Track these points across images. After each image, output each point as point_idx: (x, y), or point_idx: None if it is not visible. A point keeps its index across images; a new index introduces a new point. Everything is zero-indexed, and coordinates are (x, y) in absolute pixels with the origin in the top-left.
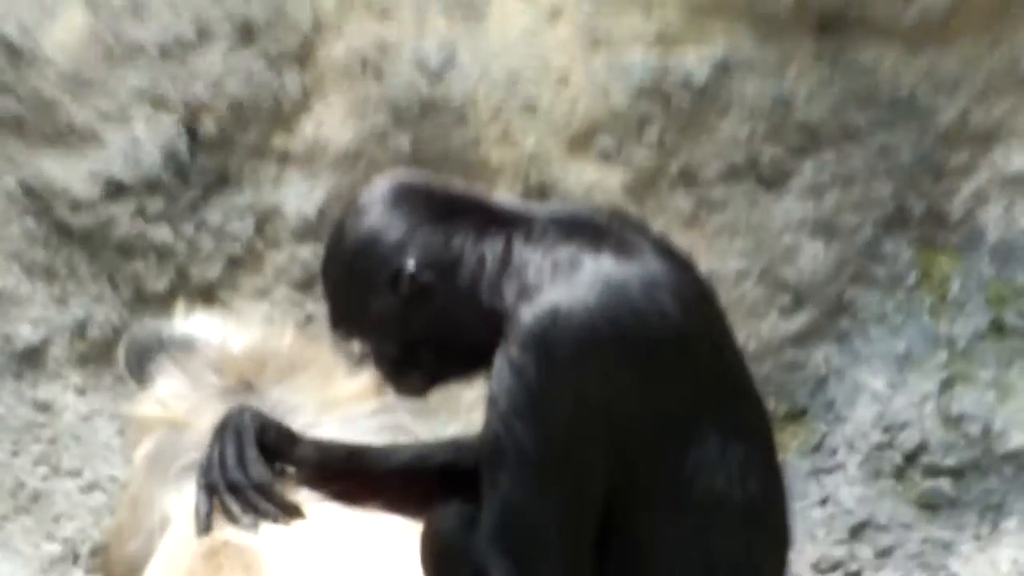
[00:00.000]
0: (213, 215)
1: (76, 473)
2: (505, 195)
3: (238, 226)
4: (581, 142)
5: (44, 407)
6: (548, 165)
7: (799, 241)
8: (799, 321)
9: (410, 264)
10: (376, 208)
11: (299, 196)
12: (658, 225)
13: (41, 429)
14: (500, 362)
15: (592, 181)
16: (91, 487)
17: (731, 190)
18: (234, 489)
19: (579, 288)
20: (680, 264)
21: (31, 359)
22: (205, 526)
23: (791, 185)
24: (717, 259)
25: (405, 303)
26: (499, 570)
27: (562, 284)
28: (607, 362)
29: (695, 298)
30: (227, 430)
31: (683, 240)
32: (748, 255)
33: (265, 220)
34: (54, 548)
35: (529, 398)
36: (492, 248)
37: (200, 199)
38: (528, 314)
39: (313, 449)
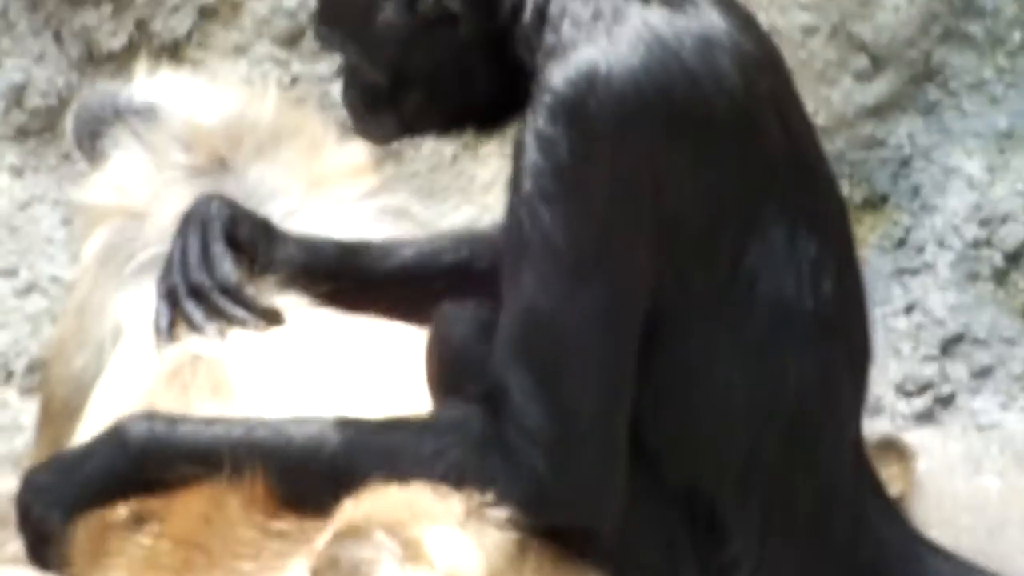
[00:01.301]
0: None
1: (11, 272)
2: None
3: None
4: None
5: None
6: None
7: None
8: (878, 89)
9: None
10: None
11: None
12: None
13: None
14: (525, 134)
15: None
16: (28, 289)
17: None
18: (196, 292)
19: (622, 44)
20: (742, 20)
21: None
22: (165, 337)
23: None
24: (778, 12)
25: (419, 26)
26: (519, 387)
27: (601, 39)
28: (654, 135)
29: (758, 61)
30: (191, 223)
31: None
32: (815, 7)
33: None
34: None
35: (560, 178)
36: None
37: None
38: (559, 76)
39: (296, 247)
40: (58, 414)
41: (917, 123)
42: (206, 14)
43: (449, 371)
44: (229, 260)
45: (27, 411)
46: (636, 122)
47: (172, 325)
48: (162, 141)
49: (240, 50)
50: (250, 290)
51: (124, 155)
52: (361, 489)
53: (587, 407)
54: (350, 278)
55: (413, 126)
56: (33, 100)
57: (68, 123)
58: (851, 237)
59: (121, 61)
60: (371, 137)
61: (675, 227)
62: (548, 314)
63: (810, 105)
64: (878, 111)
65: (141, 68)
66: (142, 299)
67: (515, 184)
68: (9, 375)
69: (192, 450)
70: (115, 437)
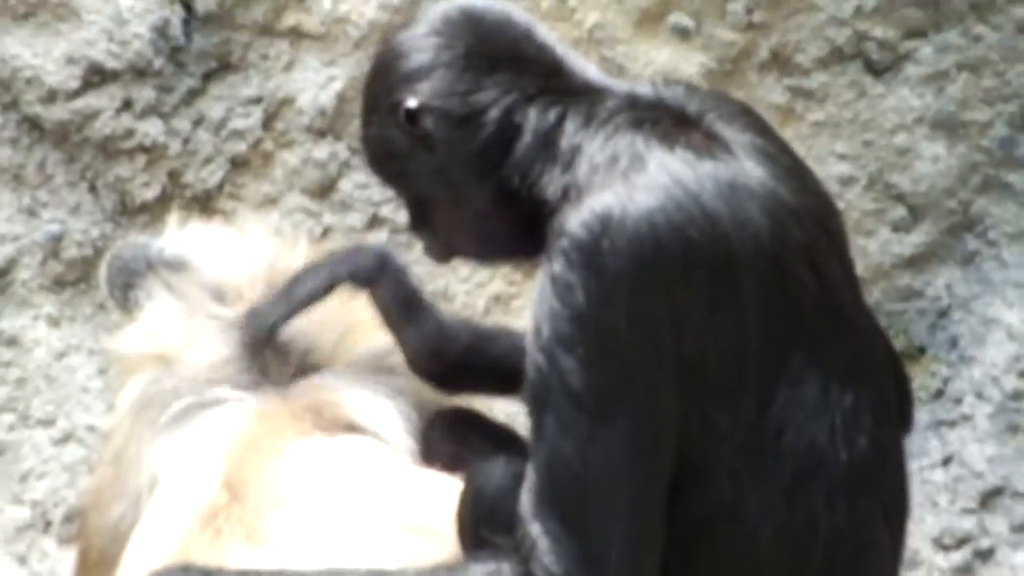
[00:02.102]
0: (213, 108)
1: (48, 422)
2: (588, 63)
3: (242, 121)
4: (652, 17)
5: (10, 342)
6: (613, 46)
7: (915, 141)
8: (916, 239)
9: (411, 100)
10: (418, 28)
11: (314, 84)
12: None
13: (7, 369)
14: (542, 279)
15: (664, 65)
16: (66, 438)
17: (833, 78)
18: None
19: (638, 188)
20: (785, 170)
21: None
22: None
23: (906, 72)
24: (816, 162)
25: (407, 144)
26: (546, 535)
27: (618, 183)
28: (671, 277)
29: (797, 211)
30: (326, 263)
31: None
32: (853, 158)
33: (274, 113)
34: (21, 512)
35: (577, 322)
36: (536, 120)
37: (197, 88)
38: (574, 220)
39: (433, 330)
40: (96, 564)
41: (955, 274)
42: (237, 165)
43: (481, 524)
44: (289, 312)
45: (65, 560)
46: (652, 264)
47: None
48: (193, 291)
49: (271, 201)
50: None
51: (156, 305)
52: None
53: (614, 553)
54: (474, 367)
55: (451, 248)
56: (69, 251)
57: (101, 274)
58: (891, 391)
59: (155, 212)
60: (430, 256)
61: (698, 370)
62: (571, 460)
63: None
64: (916, 262)
65: (172, 220)
66: (178, 448)
67: (535, 329)
68: (47, 524)
69: None
70: None
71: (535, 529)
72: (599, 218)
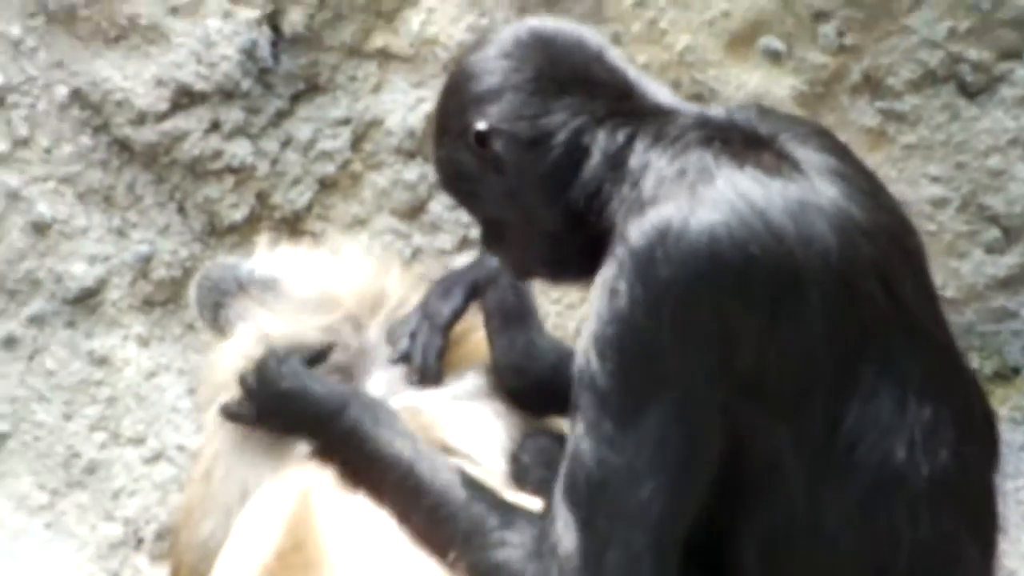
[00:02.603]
0: (301, 128)
1: (138, 441)
2: (659, 84)
3: (331, 142)
4: (743, 40)
5: (101, 361)
6: (704, 69)
7: (1009, 163)
8: (1009, 260)
9: (481, 123)
10: (489, 50)
11: (403, 105)
12: None
13: (98, 388)
14: (595, 283)
15: (756, 88)
16: (156, 457)
17: (926, 100)
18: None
19: (703, 203)
20: (858, 189)
21: (85, 304)
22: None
23: (1000, 94)
24: (908, 184)
25: (478, 165)
26: (564, 526)
27: (682, 196)
28: (725, 293)
29: (868, 229)
30: (471, 268)
31: (867, 161)
32: (946, 180)
33: (363, 134)
34: (113, 529)
35: (616, 328)
36: (605, 142)
37: (285, 110)
38: (635, 228)
39: (522, 344)
40: None
41: None
42: (326, 186)
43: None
44: (443, 324)
45: None
46: (707, 277)
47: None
48: (288, 307)
49: (360, 222)
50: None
51: (248, 325)
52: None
53: (611, 554)
54: (553, 388)
55: (521, 268)
56: (158, 271)
57: (191, 294)
58: (975, 405)
59: (243, 233)
60: (508, 273)
61: (759, 385)
62: (590, 458)
63: (940, 277)
64: (1009, 283)
65: (261, 242)
66: (267, 466)
67: (582, 331)
68: (139, 542)
69: (370, 456)
70: (338, 408)
71: (555, 512)
72: (657, 227)
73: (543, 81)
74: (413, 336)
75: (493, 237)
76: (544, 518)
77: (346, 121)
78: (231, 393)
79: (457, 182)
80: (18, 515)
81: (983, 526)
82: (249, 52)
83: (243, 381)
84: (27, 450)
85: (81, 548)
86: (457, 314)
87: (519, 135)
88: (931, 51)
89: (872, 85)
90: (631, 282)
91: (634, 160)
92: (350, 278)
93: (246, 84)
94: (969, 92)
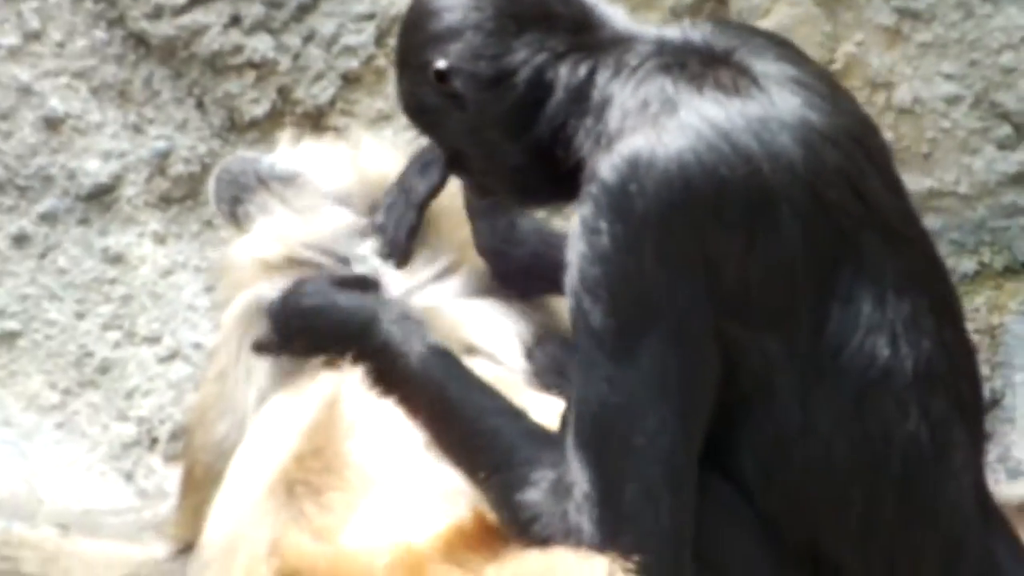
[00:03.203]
0: (324, 22)
1: (154, 339)
2: (618, 9)
3: (354, 37)
4: None
5: (115, 259)
6: None
7: (1021, 60)
8: (1020, 157)
9: (440, 62)
10: None
11: None
12: (854, 40)
13: (112, 286)
14: (573, 224)
15: None
16: (172, 356)
17: None
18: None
19: (668, 131)
20: (821, 96)
21: (100, 200)
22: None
23: None
24: (922, 82)
25: (439, 100)
26: (579, 467)
27: (647, 127)
28: (703, 218)
29: (831, 135)
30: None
31: (882, 60)
32: (960, 77)
33: (388, 27)
34: (126, 429)
35: (601, 266)
36: (567, 76)
37: (308, 4)
38: (604, 165)
39: (503, 227)
40: (201, 481)
41: None
42: (350, 81)
43: None
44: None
45: (170, 477)
46: (680, 205)
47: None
48: (312, 202)
49: (385, 118)
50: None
51: (270, 219)
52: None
53: (629, 488)
54: (537, 270)
55: (487, 190)
56: (176, 167)
57: (209, 188)
58: (950, 292)
59: (264, 129)
60: (471, 193)
61: (744, 303)
62: (593, 399)
63: (952, 173)
64: (1020, 179)
65: (283, 137)
66: (284, 365)
67: (567, 273)
68: (153, 442)
69: (403, 371)
70: (369, 320)
71: (569, 453)
72: (628, 161)
73: (502, 19)
74: (388, 209)
75: (457, 164)
76: (560, 456)
77: (370, 16)
78: (248, 289)
79: (419, 114)
80: (29, 415)
81: (969, 410)
82: None
83: (269, 307)
84: (38, 349)
85: (93, 448)
86: (433, 191)
87: (479, 74)
88: None
89: None
90: (610, 220)
91: (597, 93)
92: (372, 172)
93: None
94: None
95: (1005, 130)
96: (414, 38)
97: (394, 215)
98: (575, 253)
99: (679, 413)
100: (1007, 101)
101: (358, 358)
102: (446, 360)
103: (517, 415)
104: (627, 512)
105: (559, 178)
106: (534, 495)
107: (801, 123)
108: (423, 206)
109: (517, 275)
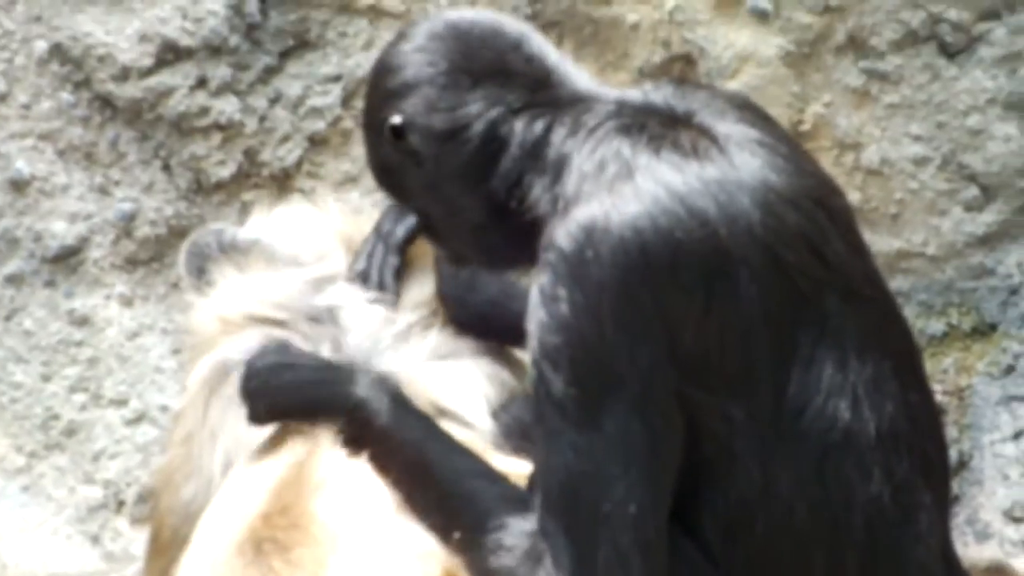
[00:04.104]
0: (290, 84)
1: (121, 402)
2: (582, 70)
3: (321, 99)
4: (732, 0)
5: (82, 321)
6: (692, 28)
7: (988, 122)
8: (987, 218)
9: (396, 118)
10: (404, 44)
11: None
12: (822, 101)
13: (78, 348)
14: (532, 291)
15: (744, 48)
16: (138, 418)
17: (908, 60)
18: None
19: (623, 198)
20: (783, 157)
21: (66, 262)
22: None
23: (979, 54)
24: (890, 143)
25: (398, 159)
26: (550, 534)
27: (604, 193)
28: (659, 282)
29: (791, 197)
30: (384, 222)
31: (851, 121)
32: (927, 139)
33: (355, 89)
34: (93, 492)
35: (562, 335)
36: (523, 132)
37: (274, 66)
38: (561, 232)
39: (464, 276)
40: (168, 543)
41: None
42: (316, 143)
43: None
44: (393, 269)
45: (137, 540)
46: (638, 270)
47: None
48: (271, 265)
49: (351, 180)
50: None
51: (230, 282)
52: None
53: (600, 556)
54: (495, 320)
55: (457, 256)
56: (142, 229)
57: (180, 261)
58: (914, 353)
59: (230, 191)
60: (446, 260)
61: (704, 367)
62: (558, 469)
63: (920, 235)
64: (988, 240)
65: (256, 207)
66: (251, 428)
67: (528, 342)
68: (120, 504)
69: (378, 434)
70: (344, 383)
71: (541, 523)
72: (583, 229)
73: (457, 74)
74: (369, 256)
75: (427, 227)
76: (533, 523)
77: (336, 78)
78: (213, 352)
79: (382, 174)
80: None
81: (935, 472)
82: (236, 8)
83: (240, 378)
84: (4, 411)
85: (59, 511)
86: (412, 234)
87: (433, 128)
88: (912, 12)
89: (856, 45)
90: (568, 287)
91: (552, 151)
92: (331, 227)
93: (234, 40)
94: (949, 52)
95: (972, 191)
96: (373, 98)
97: (376, 260)
98: (534, 322)
99: (646, 478)
100: (974, 163)
101: (332, 420)
102: (421, 422)
103: (493, 478)
104: (594, 554)
105: (518, 238)
106: (508, 560)
107: (761, 185)
108: (403, 248)
109: (474, 322)
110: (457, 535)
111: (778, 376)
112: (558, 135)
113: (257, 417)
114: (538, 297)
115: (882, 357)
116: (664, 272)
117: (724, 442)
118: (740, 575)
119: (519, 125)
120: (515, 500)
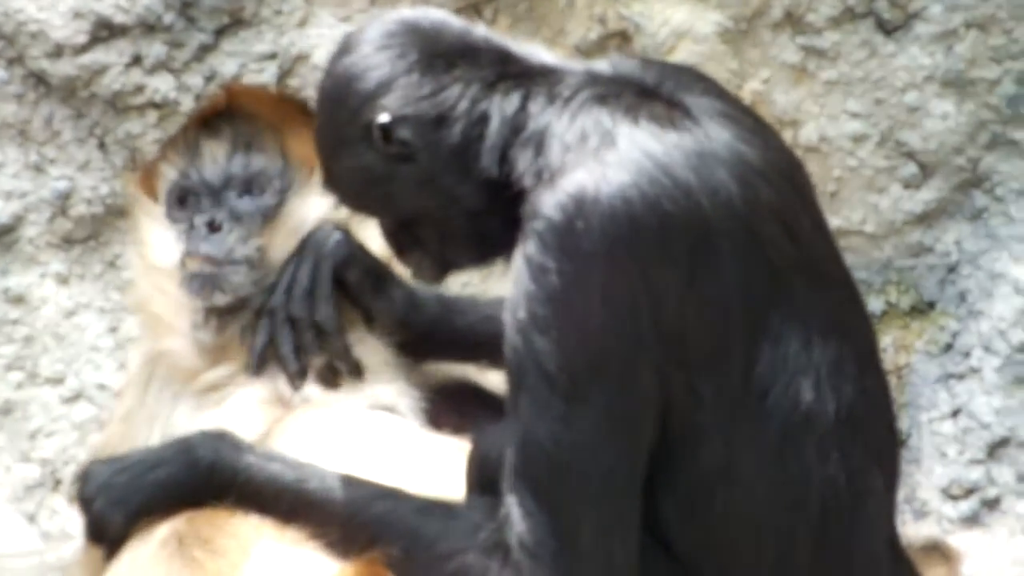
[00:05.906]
0: (226, 64)
1: (57, 380)
2: (536, 46)
3: (256, 76)
4: None
5: (17, 299)
6: (628, 4)
7: (925, 99)
8: (926, 196)
9: (383, 116)
10: (362, 48)
11: (329, 40)
12: (760, 78)
13: (14, 326)
14: (518, 261)
15: (681, 25)
16: (75, 397)
17: (845, 36)
18: (293, 324)
19: (611, 166)
20: (749, 130)
21: (1, 241)
22: (257, 364)
23: (916, 31)
24: (828, 120)
25: (386, 164)
26: (522, 510)
27: (590, 162)
28: (646, 255)
29: (764, 171)
30: (307, 252)
31: (788, 97)
32: (865, 116)
33: (290, 67)
34: (30, 470)
35: (551, 305)
36: (500, 106)
37: (209, 44)
38: (549, 202)
39: (400, 299)
40: None
41: (964, 229)
42: None
43: (484, 480)
44: (330, 302)
45: (74, 518)
46: (627, 241)
47: (263, 353)
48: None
49: None
50: (345, 337)
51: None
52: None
53: (586, 528)
54: (441, 336)
55: (447, 261)
56: (78, 208)
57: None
58: (872, 338)
59: None
60: (424, 279)
61: (681, 342)
62: (545, 440)
63: (859, 212)
64: (926, 218)
65: None
66: (190, 406)
67: (511, 311)
68: (57, 483)
69: (247, 482)
70: (185, 452)
71: (512, 502)
72: (573, 198)
73: (430, 59)
74: (297, 345)
75: (407, 242)
76: (481, 516)
77: (272, 55)
78: (159, 335)
79: (366, 191)
80: None
81: (887, 457)
82: None
83: (84, 510)
84: None
85: None
86: (331, 290)
87: (422, 116)
88: None
89: (793, 21)
90: (557, 258)
91: (532, 122)
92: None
93: (168, 18)
94: (886, 29)
95: (911, 169)
96: (345, 110)
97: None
98: (521, 292)
99: (628, 451)
100: (912, 140)
101: (200, 497)
102: (286, 463)
103: (395, 496)
104: (584, 551)
105: (510, 217)
106: (470, 559)
107: (735, 158)
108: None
109: (420, 340)
110: (394, 556)
111: (750, 354)
112: (536, 105)
113: (115, 530)
114: (525, 267)
115: (843, 340)
116: (652, 242)
117: (691, 419)
118: (693, 557)
119: (497, 98)
120: (435, 510)
